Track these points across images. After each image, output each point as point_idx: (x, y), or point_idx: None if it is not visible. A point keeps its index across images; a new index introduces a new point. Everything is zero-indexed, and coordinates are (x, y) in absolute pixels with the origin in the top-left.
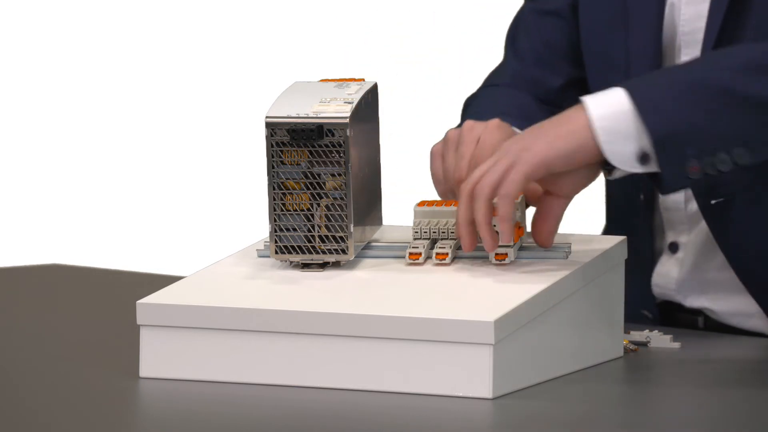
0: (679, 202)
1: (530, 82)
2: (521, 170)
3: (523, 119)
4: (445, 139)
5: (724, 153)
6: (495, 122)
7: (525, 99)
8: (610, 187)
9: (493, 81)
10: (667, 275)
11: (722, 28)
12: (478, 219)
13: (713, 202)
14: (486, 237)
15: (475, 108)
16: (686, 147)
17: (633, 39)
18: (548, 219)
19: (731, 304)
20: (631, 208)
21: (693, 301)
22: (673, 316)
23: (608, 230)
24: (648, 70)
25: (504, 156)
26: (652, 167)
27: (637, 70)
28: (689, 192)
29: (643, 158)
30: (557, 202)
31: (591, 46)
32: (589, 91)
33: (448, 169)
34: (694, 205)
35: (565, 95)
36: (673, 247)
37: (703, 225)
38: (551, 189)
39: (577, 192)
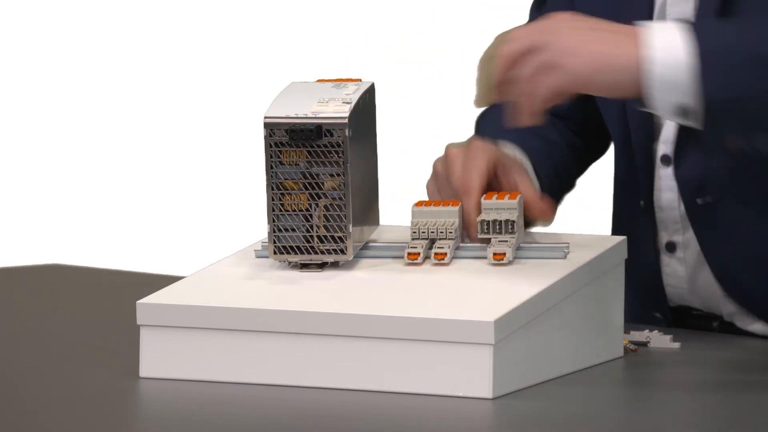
0: (672, 201)
1: None
2: (558, 80)
3: (520, 140)
4: (435, 175)
5: (763, 132)
6: (476, 145)
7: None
8: (615, 192)
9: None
10: (676, 275)
11: None
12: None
13: (699, 201)
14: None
15: (484, 127)
16: (733, 119)
17: None
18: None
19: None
20: (633, 213)
21: (716, 308)
22: (686, 320)
23: (614, 233)
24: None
25: (544, 50)
26: (689, 122)
27: None
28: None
29: (684, 113)
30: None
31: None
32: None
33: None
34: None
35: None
36: (671, 247)
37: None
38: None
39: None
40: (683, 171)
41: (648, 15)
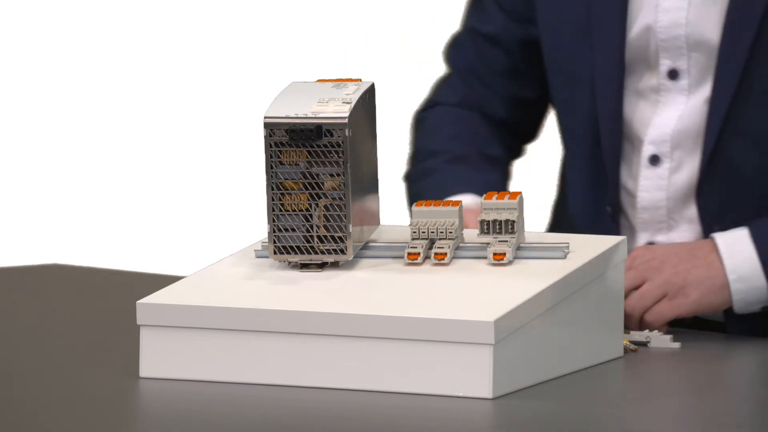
0: (659, 201)
1: (476, 104)
2: (672, 312)
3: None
4: None
5: None
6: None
7: (471, 127)
8: (565, 196)
9: (440, 98)
10: None
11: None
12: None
13: (716, 228)
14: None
15: (423, 133)
16: None
17: (597, 52)
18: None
19: None
20: (594, 218)
21: None
22: None
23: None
24: (613, 83)
25: (667, 286)
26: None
27: (603, 83)
28: (671, 192)
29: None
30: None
31: (555, 61)
32: (551, 102)
33: None
34: (674, 204)
35: (510, 114)
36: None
37: (683, 226)
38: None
39: None
40: (705, 196)
41: (622, 29)
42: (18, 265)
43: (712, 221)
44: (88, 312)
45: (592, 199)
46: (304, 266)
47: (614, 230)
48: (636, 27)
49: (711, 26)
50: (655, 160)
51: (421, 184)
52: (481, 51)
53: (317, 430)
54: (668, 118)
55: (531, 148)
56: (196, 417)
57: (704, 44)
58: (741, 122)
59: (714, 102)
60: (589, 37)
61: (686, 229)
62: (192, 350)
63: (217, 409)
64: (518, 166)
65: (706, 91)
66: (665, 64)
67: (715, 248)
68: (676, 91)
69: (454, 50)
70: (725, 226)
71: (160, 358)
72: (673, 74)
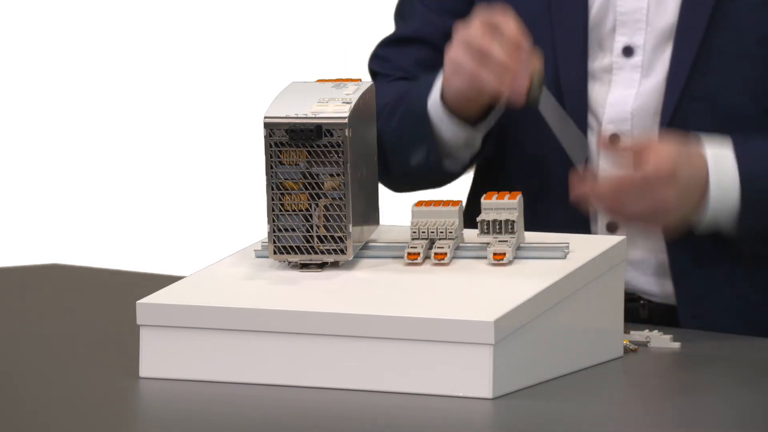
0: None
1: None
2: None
3: None
4: (466, 43)
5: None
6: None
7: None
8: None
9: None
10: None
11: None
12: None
13: None
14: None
15: None
16: (758, 243)
17: (559, 32)
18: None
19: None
20: (559, 188)
21: (645, 284)
22: None
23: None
24: (575, 63)
25: (652, 201)
26: (718, 231)
27: (565, 63)
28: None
29: (717, 230)
30: None
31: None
32: None
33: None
34: None
35: None
36: (612, 227)
37: None
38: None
39: None
40: None
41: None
42: (18, 265)
43: None
44: (88, 312)
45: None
46: (304, 266)
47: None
48: (596, 4)
49: None
50: (615, 139)
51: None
52: (406, 53)
53: (317, 430)
54: (625, 97)
55: None
56: (196, 417)
57: (663, 16)
58: (698, 90)
59: (672, 73)
60: (549, 18)
61: None
62: (192, 350)
63: (217, 409)
64: None
65: (661, 64)
66: (620, 41)
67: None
68: (629, 68)
69: (377, 61)
70: None
71: (160, 358)
72: (627, 51)
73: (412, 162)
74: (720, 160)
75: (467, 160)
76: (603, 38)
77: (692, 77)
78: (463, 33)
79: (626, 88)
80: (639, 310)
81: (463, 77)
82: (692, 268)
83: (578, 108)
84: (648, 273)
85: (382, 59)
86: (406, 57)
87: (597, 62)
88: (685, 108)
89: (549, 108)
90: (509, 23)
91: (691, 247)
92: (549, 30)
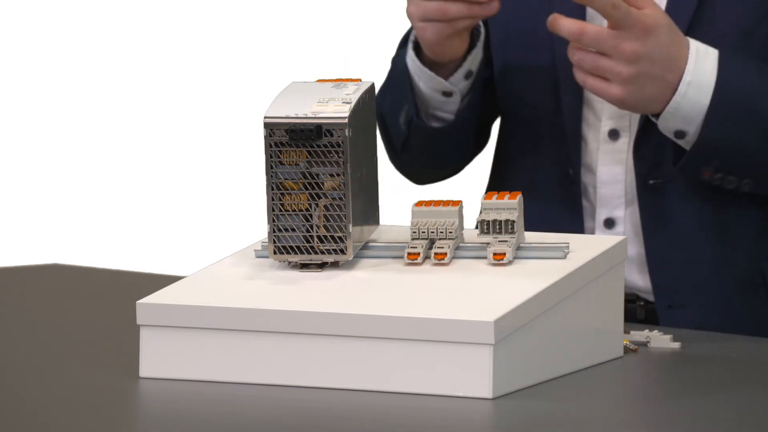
0: (618, 175)
1: None
2: (618, 94)
3: None
4: None
5: (736, 178)
6: None
7: None
8: (516, 164)
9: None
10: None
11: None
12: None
13: (651, 182)
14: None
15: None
16: (716, 158)
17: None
18: None
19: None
20: (557, 183)
21: (638, 281)
22: None
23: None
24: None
25: (604, 70)
26: (679, 144)
27: (561, 48)
28: (629, 166)
29: (679, 136)
30: None
31: (514, 30)
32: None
33: None
34: (633, 181)
35: None
36: (609, 223)
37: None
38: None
39: None
40: (642, 150)
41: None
42: (18, 265)
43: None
44: (88, 312)
45: (553, 163)
46: (304, 266)
47: (576, 193)
48: None
49: None
50: (613, 134)
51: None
52: None
53: (317, 430)
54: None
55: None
56: (196, 417)
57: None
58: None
59: None
60: (549, 8)
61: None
62: (192, 350)
63: (217, 409)
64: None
65: None
66: None
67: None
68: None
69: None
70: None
71: (160, 358)
72: None
73: (401, 121)
74: (702, 56)
75: (452, 116)
76: None
77: None
78: None
79: None
80: (636, 311)
81: (432, 22)
82: (667, 257)
83: (573, 102)
84: (630, 266)
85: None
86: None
87: None
88: None
89: None
90: None
91: (666, 236)
92: (548, 16)
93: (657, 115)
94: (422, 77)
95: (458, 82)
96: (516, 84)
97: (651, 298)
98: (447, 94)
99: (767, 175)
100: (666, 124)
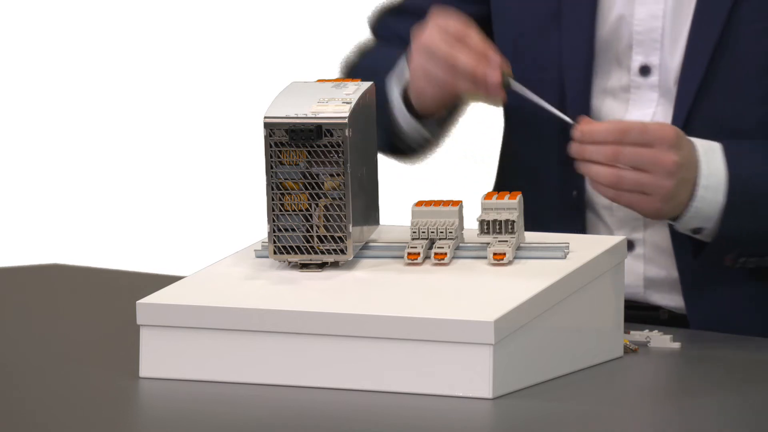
0: None
1: None
2: (656, 207)
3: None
4: (428, 49)
5: (758, 258)
6: (447, 17)
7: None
8: (521, 178)
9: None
10: (632, 272)
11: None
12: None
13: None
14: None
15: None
16: (737, 248)
17: (566, 40)
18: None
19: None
20: (560, 202)
21: (660, 299)
22: (632, 313)
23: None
24: (580, 72)
25: (647, 186)
26: (699, 237)
27: (570, 72)
28: None
29: (696, 232)
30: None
31: (522, 46)
32: None
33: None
34: None
35: None
36: (629, 245)
37: (658, 223)
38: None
39: None
40: None
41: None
42: (18, 265)
43: None
44: (88, 312)
45: (559, 181)
46: (304, 266)
47: (579, 215)
48: (609, 19)
49: (685, 17)
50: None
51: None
52: (404, 23)
53: (317, 430)
54: (643, 117)
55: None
56: (196, 417)
57: (679, 37)
58: (705, 113)
59: (680, 95)
60: (558, 24)
61: (661, 226)
62: (192, 350)
63: (217, 409)
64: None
65: (674, 85)
66: (637, 60)
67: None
68: (647, 87)
69: (377, 23)
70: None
71: (160, 358)
72: (644, 70)
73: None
74: (710, 155)
75: (417, 145)
76: (620, 55)
77: (699, 100)
78: (426, 41)
79: (645, 108)
80: (659, 316)
81: (435, 85)
82: (701, 285)
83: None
84: (662, 290)
85: (382, 24)
86: (403, 27)
87: (614, 80)
88: (692, 130)
89: (521, 88)
90: (472, 36)
91: (701, 265)
92: (556, 39)
93: (675, 217)
94: (405, 119)
95: (432, 128)
96: (523, 99)
97: (679, 312)
98: (421, 134)
99: None
100: (685, 226)
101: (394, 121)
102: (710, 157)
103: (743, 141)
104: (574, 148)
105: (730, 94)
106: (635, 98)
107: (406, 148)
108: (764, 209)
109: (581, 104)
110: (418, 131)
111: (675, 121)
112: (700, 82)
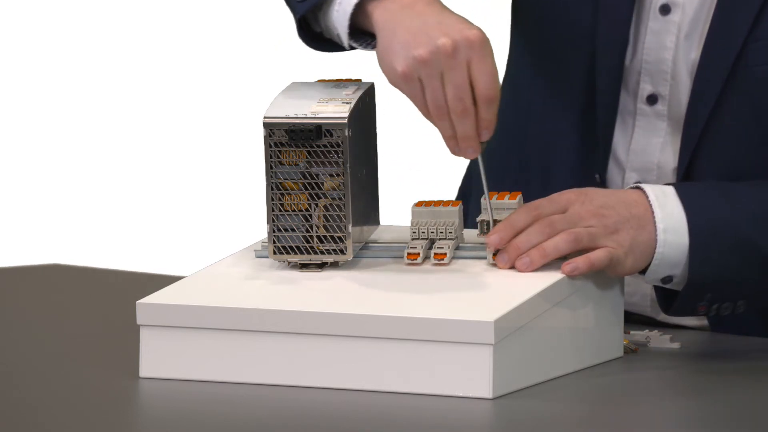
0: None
1: None
2: (590, 262)
3: None
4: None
5: (731, 303)
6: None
7: None
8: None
9: None
10: (638, 292)
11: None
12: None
13: None
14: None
15: None
16: (708, 293)
17: (603, 16)
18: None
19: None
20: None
21: (668, 317)
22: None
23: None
24: (616, 57)
25: (597, 234)
26: (667, 288)
27: (605, 55)
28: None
29: (666, 281)
30: None
31: (551, 21)
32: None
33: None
34: None
35: None
36: None
37: None
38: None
39: None
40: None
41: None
42: (18, 265)
43: None
44: (88, 312)
45: (579, 163)
46: (303, 266)
47: None
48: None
49: (694, 49)
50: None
51: None
52: None
53: (317, 430)
54: (651, 145)
55: None
56: (196, 417)
57: (689, 67)
58: (710, 152)
59: (687, 130)
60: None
61: None
62: (192, 350)
63: (217, 409)
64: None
65: (680, 117)
66: (645, 89)
67: (653, 224)
68: (653, 115)
69: None
70: None
71: (160, 358)
72: (651, 99)
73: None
74: (662, 198)
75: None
76: (628, 80)
77: (704, 138)
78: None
79: (651, 136)
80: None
81: (415, 96)
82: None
83: (609, 102)
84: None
85: None
86: None
87: (621, 103)
88: (696, 168)
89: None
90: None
91: (674, 316)
92: (590, 14)
93: (643, 271)
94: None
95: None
96: (546, 78)
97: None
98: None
99: (758, 294)
100: (655, 276)
101: (325, 16)
102: (662, 202)
103: (695, 182)
104: (503, 259)
105: (736, 134)
106: (640, 125)
107: (314, 35)
108: (732, 247)
109: (612, 79)
110: (343, 41)
111: (682, 156)
112: (706, 120)
